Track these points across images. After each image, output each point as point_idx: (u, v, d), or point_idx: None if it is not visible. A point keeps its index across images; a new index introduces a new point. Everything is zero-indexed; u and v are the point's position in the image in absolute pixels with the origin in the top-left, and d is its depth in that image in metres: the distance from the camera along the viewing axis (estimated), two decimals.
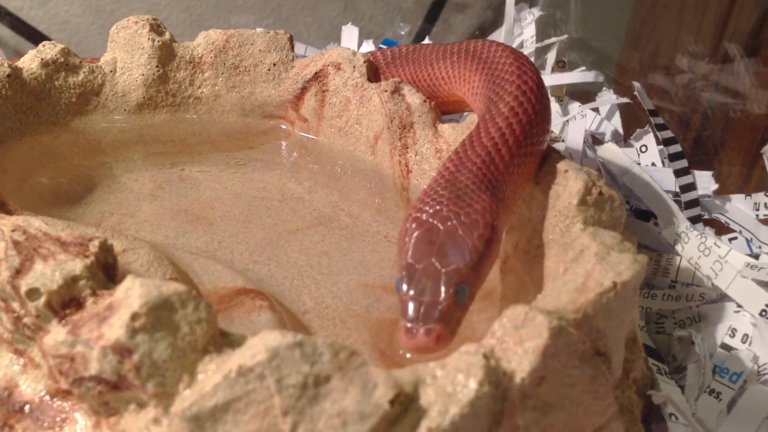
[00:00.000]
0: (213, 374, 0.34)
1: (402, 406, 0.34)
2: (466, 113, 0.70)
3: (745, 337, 0.57)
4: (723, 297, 0.60)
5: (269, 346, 0.33)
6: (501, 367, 0.36)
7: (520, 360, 0.36)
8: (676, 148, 0.72)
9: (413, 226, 0.46)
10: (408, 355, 0.46)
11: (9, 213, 0.48)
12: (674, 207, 0.66)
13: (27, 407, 0.39)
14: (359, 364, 0.34)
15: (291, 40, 0.69)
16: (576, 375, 0.38)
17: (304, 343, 0.34)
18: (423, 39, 1.14)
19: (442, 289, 0.42)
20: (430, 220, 0.46)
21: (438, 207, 0.46)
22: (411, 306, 0.42)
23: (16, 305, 0.38)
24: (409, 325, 0.41)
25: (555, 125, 0.81)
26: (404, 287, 0.43)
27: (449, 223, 0.45)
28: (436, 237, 0.45)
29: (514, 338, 0.36)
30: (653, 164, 0.76)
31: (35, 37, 1.05)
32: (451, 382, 0.34)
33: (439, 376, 0.35)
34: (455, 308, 0.42)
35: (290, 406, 0.33)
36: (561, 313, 0.38)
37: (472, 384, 0.34)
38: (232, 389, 0.33)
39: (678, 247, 0.63)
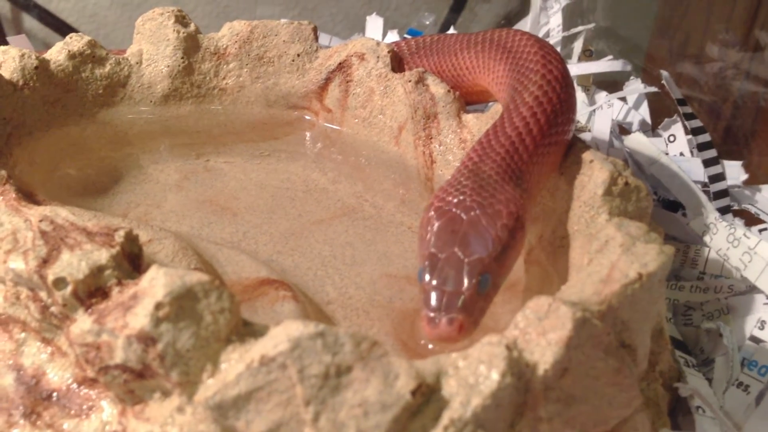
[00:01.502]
0: (236, 363, 0.34)
1: (424, 396, 0.34)
2: (490, 103, 0.70)
3: None
4: (752, 289, 0.59)
5: (291, 336, 0.34)
6: (524, 358, 0.35)
7: (543, 351, 0.36)
8: (705, 137, 0.71)
9: (435, 215, 0.46)
10: (430, 346, 0.46)
11: (37, 203, 0.49)
12: (703, 197, 0.65)
13: (54, 395, 0.39)
14: (381, 355, 0.34)
15: (315, 30, 0.69)
16: (600, 367, 0.38)
17: (326, 333, 0.34)
18: (448, 29, 1.13)
19: (465, 278, 0.42)
20: (453, 210, 0.46)
21: (461, 197, 0.46)
22: (433, 295, 0.42)
23: (43, 294, 0.39)
24: (431, 314, 0.41)
25: (581, 115, 0.81)
26: (426, 277, 0.43)
27: (472, 213, 0.45)
28: (459, 227, 0.45)
29: (538, 329, 0.36)
30: (682, 154, 0.75)
31: (64, 29, 1.05)
32: (474, 373, 0.34)
33: (462, 367, 0.35)
34: (478, 298, 0.42)
35: (312, 395, 0.33)
36: (585, 305, 0.38)
37: (495, 375, 0.34)
38: (255, 379, 0.34)
39: (706, 238, 0.63)
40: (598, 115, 0.77)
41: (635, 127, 0.82)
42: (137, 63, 0.66)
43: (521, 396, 0.35)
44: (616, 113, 0.82)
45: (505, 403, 0.34)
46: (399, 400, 0.33)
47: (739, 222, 0.67)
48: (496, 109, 0.61)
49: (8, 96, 0.58)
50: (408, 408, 0.33)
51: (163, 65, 0.66)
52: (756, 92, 0.90)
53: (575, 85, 0.62)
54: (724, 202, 0.68)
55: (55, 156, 0.61)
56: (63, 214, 0.41)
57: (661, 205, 0.68)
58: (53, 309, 0.39)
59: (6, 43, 0.75)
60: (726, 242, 0.61)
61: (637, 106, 0.83)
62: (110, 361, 0.36)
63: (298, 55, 0.69)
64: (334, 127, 0.69)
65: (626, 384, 0.39)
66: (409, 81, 0.64)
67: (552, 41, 0.92)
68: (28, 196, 0.51)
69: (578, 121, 0.79)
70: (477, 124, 0.61)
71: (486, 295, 0.43)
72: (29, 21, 1.06)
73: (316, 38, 0.69)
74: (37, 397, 0.39)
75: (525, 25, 0.97)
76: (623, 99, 0.84)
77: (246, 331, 0.36)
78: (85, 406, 0.39)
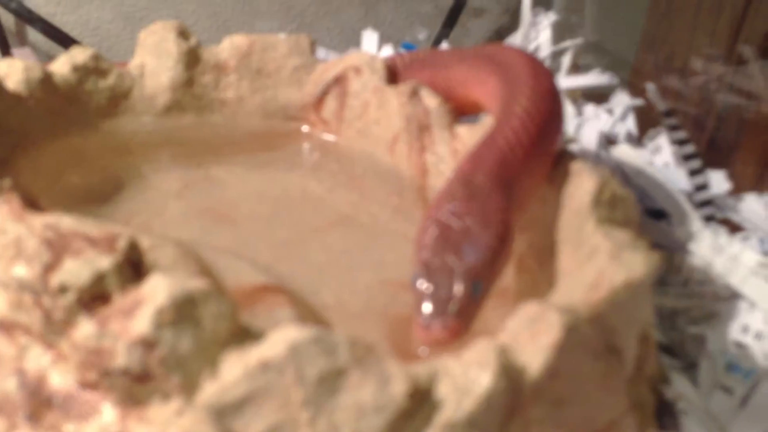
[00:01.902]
0: (235, 367, 0.35)
1: (417, 399, 0.35)
2: (481, 115, 0.71)
3: (758, 335, 0.58)
4: (736, 295, 0.60)
5: (289, 340, 0.34)
6: (514, 361, 0.36)
7: (533, 355, 0.36)
8: (690, 148, 0.72)
9: (430, 224, 0.47)
10: (423, 351, 0.46)
11: (40, 211, 0.49)
12: (687, 206, 0.66)
13: (56, 399, 0.39)
14: (376, 359, 0.35)
15: (312, 44, 0.70)
16: (588, 371, 0.39)
17: (323, 337, 0.34)
18: (441, 43, 1.14)
19: (458, 284, 0.43)
20: (446, 218, 0.47)
21: (453, 206, 0.47)
22: (426, 301, 0.43)
23: (46, 300, 0.39)
24: (424, 319, 0.42)
25: (569, 126, 0.82)
26: (420, 283, 0.44)
27: (464, 222, 0.46)
28: (452, 235, 0.46)
29: (528, 334, 0.37)
30: (667, 164, 0.76)
31: (67, 42, 1.05)
32: (466, 376, 0.35)
33: (454, 371, 0.36)
34: (470, 303, 0.43)
35: (309, 399, 0.34)
36: (574, 310, 0.38)
37: (486, 378, 0.35)
38: (253, 382, 0.34)
39: (691, 246, 0.64)
40: (585, 126, 0.78)
41: (621, 138, 0.83)
42: (139, 75, 0.67)
43: (512, 399, 0.36)
44: (603, 125, 0.83)
45: (497, 406, 0.35)
46: (393, 402, 0.34)
47: (722, 230, 0.68)
48: (487, 121, 0.62)
49: (13, 107, 0.59)
50: (401, 410, 0.34)
51: (165, 78, 0.67)
52: (739, 105, 0.91)
53: (564, 97, 0.63)
54: (708, 210, 0.69)
55: (58, 165, 0.61)
56: (66, 221, 0.42)
57: (646, 214, 0.69)
58: (56, 314, 0.39)
59: (11, 55, 0.76)
60: (710, 250, 0.62)
61: (623, 117, 0.84)
62: (112, 365, 0.36)
63: (296, 69, 0.69)
64: (331, 138, 0.70)
65: (613, 387, 0.40)
66: (404, 94, 0.64)
67: (541, 56, 0.93)
68: (32, 204, 0.51)
69: (566, 133, 0.80)
70: (468, 135, 0.62)
71: (478, 300, 0.44)
72: (33, 34, 1.06)
73: (314, 52, 0.70)
74: (39, 401, 0.39)
75: (515, 40, 0.98)
76: (610, 111, 0.85)
77: (245, 335, 0.37)
78: (86, 410, 0.39)
